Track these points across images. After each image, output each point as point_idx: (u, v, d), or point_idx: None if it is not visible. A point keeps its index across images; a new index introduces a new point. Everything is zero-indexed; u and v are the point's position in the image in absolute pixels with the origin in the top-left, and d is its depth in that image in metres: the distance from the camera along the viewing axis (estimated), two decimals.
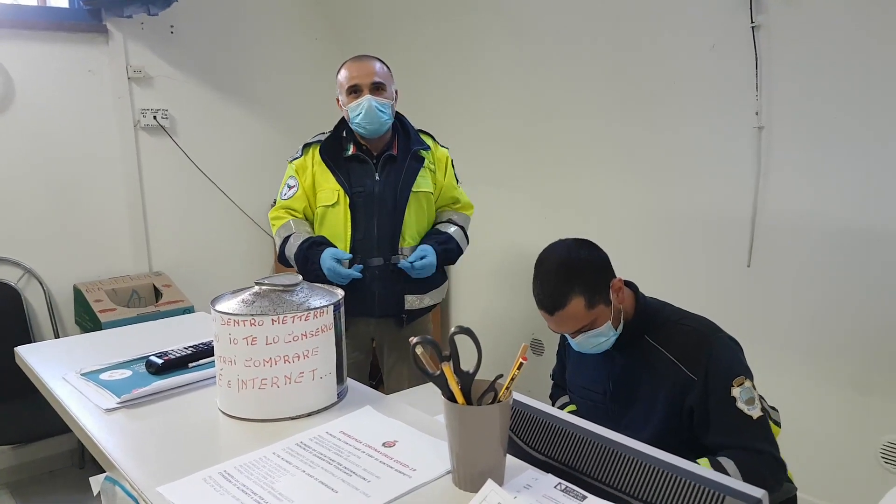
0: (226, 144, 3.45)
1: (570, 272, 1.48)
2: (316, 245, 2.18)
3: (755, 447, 1.41)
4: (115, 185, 3.15)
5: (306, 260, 2.17)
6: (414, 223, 2.25)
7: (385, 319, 2.29)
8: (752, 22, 2.13)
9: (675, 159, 2.50)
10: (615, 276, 1.55)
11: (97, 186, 3.11)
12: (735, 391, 1.43)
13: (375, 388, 2.72)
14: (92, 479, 1.01)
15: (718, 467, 1.37)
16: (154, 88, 3.21)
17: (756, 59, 2.16)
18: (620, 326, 1.54)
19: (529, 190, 3.08)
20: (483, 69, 3.08)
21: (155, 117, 3.19)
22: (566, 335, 1.58)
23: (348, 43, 3.59)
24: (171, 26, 3.21)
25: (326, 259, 2.13)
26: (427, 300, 2.32)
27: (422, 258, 2.18)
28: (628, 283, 1.62)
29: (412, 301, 2.27)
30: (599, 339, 1.53)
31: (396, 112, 2.26)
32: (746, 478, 1.36)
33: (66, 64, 2.98)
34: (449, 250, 2.28)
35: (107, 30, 3.05)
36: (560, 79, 2.79)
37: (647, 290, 1.64)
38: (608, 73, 2.62)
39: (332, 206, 2.21)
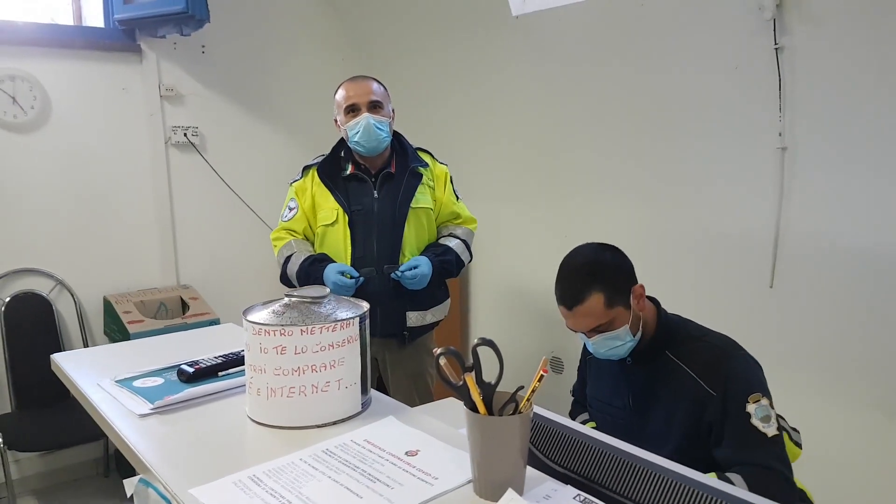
0: (253, 161, 3.52)
1: (593, 270, 1.51)
2: (318, 262, 2.21)
3: (766, 464, 1.40)
4: (145, 199, 3.23)
5: (308, 277, 2.19)
6: (414, 239, 2.27)
7: (387, 339, 2.29)
8: (776, 43, 2.14)
9: (699, 179, 2.51)
10: (637, 283, 1.57)
11: (128, 201, 3.18)
12: (750, 407, 1.43)
13: None
14: (126, 482, 1.05)
15: (727, 482, 1.37)
16: (185, 106, 3.29)
17: (780, 80, 2.17)
18: (639, 334, 1.55)
19: (548, 208, 3.10)
20: (505, 90, 3.12)
21: (185, 134, 3.27)
22: (585, 341, 1.59)
23: (372, 61, 3.66)
24: (203, 46, 3.29)
25: (330, 273, 2.14)
26: (429, 317, 2.33)
27: (413, 268, 2.17)
28: (651, 299, 1.63)
29: (414, 318, 2.28)
30: (616, 342, 1.53)
31: (394, 131, 2.29)
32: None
33: (100, 82, 3.08)
34: (447, 262, 2.27)
35: (140, 49, 3.14)
36: (580, 99, 2.82)
37: (670, 308, 1.65)
38: (630, 93, 2.65)
39: (332, 224, 2.24)
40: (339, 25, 3.73)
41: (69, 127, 3.01)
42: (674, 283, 2.52)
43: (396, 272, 2.18)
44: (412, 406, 1.33)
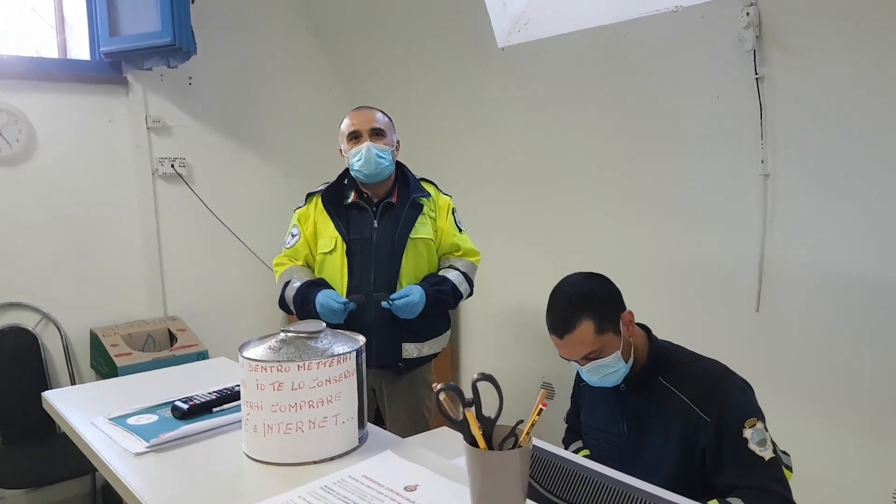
0: (241, 191, 3.53)
1: (582, 298, 1.53)
2: (315, 285, 2.21)
3: (765, 487, 1.41)
4: (132, 231, 3.22)
5: (304, 301, 2.18)
6: (412, 270, 2.26)
7: (383, 370, 2.28)
8: (756, 73, 2.19)
9: (684, 207, 2.54)
10: (626, 310, 1.59)
11: (115, 233, 3.17)
12: (747, 432, 1.44)
13: None
14: None
15: None
16: (172, 138, 3.30)
17: (761, 108, 2.22)
18: (631, 360, 1.57)
19: (539, 238, 3.12)
20: (492, 121, 3.15)
21: (172, 165, 3.27)
22: (578, 369, 1.60)
23: (360, 93, 3.69)
24: (190, 78, 3.31)
25: (320, 295, 2.14)
26: (426, 349, 2.30)
27: (404, 296, 2.15)
28: (642, 326, 1.65)
29: (410, 350, 2.26)
30: (608, 369, 1.54)
31: (397, 162, 2.30)
32: None
33: (86, 114, 3.08)
34: (442, 292, 2.25)
35: (127, 81, 3.15)
36: (568, 130, 2.85)
37: (659, 334, 1.66)
38: (615, 123, 2.68)
39: (330, 252, 2.24)
40: (327, 56, 3.76)
41: (55, 160, 3.00)
42: (661, 309, 2.54)
43: (387, 301, 2.17)
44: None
